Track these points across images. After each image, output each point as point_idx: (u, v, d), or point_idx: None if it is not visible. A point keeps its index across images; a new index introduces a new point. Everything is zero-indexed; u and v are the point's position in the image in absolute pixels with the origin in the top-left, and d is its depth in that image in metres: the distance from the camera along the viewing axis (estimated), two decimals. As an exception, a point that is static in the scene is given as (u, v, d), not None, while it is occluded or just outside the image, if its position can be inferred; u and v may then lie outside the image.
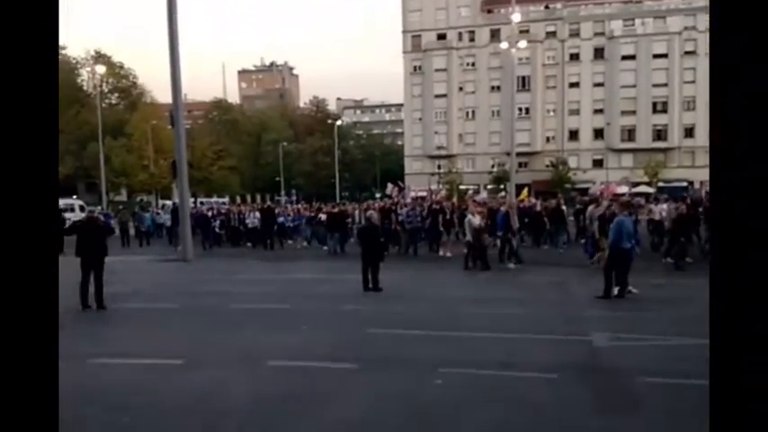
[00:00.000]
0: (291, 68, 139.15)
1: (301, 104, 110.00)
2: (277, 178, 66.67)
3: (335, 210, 21.84)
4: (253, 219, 23.70)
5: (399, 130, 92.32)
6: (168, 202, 36.56)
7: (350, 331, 8.50)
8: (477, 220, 15.09)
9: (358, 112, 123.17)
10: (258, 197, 40.82)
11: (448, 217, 19.38)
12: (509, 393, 5.73)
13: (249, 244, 23.49)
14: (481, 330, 8.29)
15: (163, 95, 56.77)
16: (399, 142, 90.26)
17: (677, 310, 9.52)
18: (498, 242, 15.70)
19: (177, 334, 8.61)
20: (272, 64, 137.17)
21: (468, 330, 8.31)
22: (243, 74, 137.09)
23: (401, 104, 79.78)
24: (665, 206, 18.91)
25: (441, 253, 18.52)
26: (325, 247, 20.12)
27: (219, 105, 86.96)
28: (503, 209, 17.06)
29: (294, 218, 24.51)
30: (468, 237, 15.25)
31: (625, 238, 10.46)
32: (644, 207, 21.13)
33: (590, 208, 15.10)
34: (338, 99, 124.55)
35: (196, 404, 5.51)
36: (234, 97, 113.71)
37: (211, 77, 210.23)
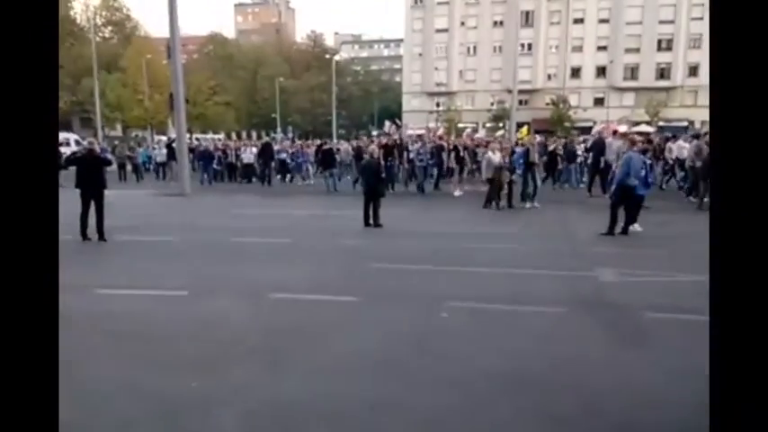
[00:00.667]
0: (288, 1, 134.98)
1: (298, 39, 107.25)
2: (273, 115, 65.59)
3: (327, 147, 21.66)
4: (248, 155, 23.54)
5: (398, 66, 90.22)
6: (163, 138, 35.97)
7: (352, 266, 8.48)
8: (497, 158, 14.40)
9: (356, 47, 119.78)
10: (254, 134, 40.14)
11: (462, 154, 19.10)
12: (515, 326, 5.75)
13: (246, 180, 23.46)
14: (487, 265, 8.29)
15: (156, 30, 55.20)
16: (398, 79, 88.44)
17: (682, 248, 9.50)
18: (520, 178, 14.92)
19: (180, 266, 8.59)
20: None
21: (474, 266, 8.31)
22: (239, 7, 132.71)
23: (400, 40, 77.64)
24: (685, 144, 18.07)
25: (454, 193, 18.06)
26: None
27: (215, 40, 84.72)
28: (520, 147, 16.28)
29: (296, 154, 24.27)
30: (486, 175, 14.64)
31: (632, 174, 10.36)
32: (661, 146, 20.52)
33: (618, 144, 14.82)
34: (336, 34, 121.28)
35: (202, 334, 5.50)
36: (229, 32, 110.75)
37: (206, 11, 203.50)
